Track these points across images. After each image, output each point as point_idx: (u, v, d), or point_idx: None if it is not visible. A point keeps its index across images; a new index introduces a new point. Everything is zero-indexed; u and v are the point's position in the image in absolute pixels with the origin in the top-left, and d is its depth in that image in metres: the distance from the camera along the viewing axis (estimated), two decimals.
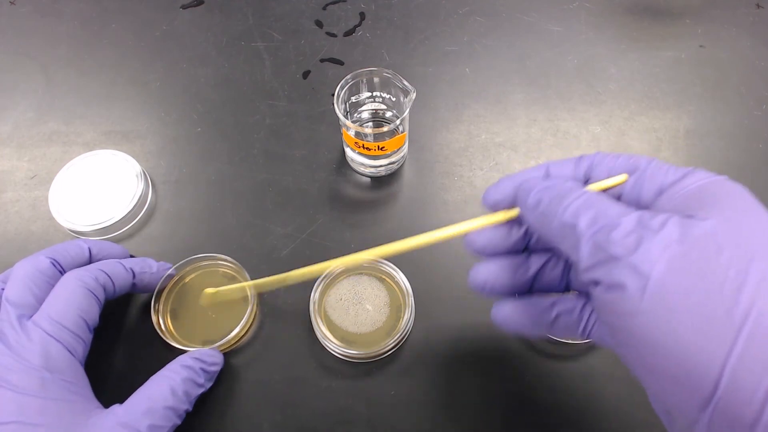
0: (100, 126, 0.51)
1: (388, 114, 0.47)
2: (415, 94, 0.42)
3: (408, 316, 0.40)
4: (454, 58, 0.55)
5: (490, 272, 0.30)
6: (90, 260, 0.38)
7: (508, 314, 0.30)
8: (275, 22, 0.57)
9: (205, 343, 0.39)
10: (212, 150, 0.50)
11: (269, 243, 0.45)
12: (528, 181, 0.29)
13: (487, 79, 0.53)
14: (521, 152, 0.49)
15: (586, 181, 0.29)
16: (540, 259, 0.31)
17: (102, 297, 0.36)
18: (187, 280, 0.42)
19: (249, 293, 0.41)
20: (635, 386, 0.39)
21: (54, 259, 0.36)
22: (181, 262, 0.42)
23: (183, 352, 0.38)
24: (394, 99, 0.46)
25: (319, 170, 0.48)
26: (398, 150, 0.46)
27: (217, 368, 0.37)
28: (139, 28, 0.57)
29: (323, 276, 0.41)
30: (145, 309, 0.41)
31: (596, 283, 0.24)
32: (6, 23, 0.58)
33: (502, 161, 0.49)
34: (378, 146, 0.43)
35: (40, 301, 0.34)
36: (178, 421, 0.34)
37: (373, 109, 0.47)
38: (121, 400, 0.33)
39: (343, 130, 0.44)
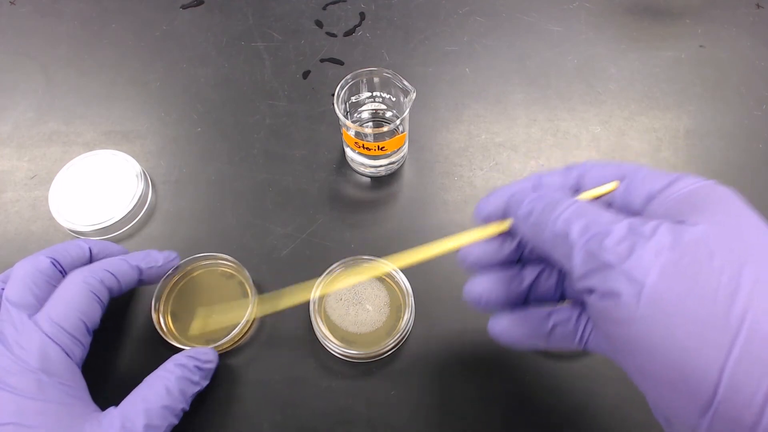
0: (100, 126, 0.51)
1: (388, 114, 0.47)
2: (415, 94, 0.42)
3: (408, 316, 0.40)
4: (454, 58, 0.55)
5: (484, 286, 0.31)
6: (90, 260, 0.38)
7: (505, 327, 0.30)
8: (275, 22, 0.57)
9: (206, 343, 0.39)
10: (212, 150, 0.50)
11: (269, 243, 0.45)
12: (519, 192, 0.29)
13: (487, 79, 0.53)
14: (521, 152, 0.49)
15: (577, 191, 0.29)
16: (534, 270, 0.31)
17: (106, 299, 0.36)
18: (187, 279, 0.42)
19: (249, 293, 0.41)
20: (634, 387, 0.38)
21: (54, 259, 0.36)
22: (181, 262, 0.42)
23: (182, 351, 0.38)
24: (394, 99, 0.46)
25: (319, 170, 0.48)
26: (398, 150, 0.46)
27: (211, 365, 0.37)
28: (139, 28, 0.57)
29: (323, 276, 0.41)
30: (146, 309, 0.41)
31: (591, 291, 0.24)
32: (6, 23, 0.58)
33: (502, 161, 0.49)
34: (378, 146, 0.43)
35: (41, 300, 0.34)
36: (176, 421, 0.34)
37: (373, 109, 0.47)
38: (118, 402, 0.33)
39: (343, 130, 0.44)
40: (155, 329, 0.39)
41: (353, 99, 0.46)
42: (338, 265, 0.42)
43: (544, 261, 0.31)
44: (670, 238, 0.22)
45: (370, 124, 0.48)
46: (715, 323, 0.20)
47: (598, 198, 0.28)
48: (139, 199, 0.46)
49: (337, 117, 0.43)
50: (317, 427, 0.38)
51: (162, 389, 0.34)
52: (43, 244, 0.42)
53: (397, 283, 0.41)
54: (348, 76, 0.44)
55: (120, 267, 0.37)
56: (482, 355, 0.40)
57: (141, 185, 0.46)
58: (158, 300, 0.41)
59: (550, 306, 0.30)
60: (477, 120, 0.51)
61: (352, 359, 0.39)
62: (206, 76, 0.54)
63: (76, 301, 0.34)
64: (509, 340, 0.31)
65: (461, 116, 0.51)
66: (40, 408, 0.31)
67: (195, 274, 0.43)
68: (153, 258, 0.39)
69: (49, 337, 0.32)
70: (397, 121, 0.43)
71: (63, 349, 0.33)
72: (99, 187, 0.46)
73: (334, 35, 0.56)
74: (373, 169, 0.47)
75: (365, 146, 0.44)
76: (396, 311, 0.41)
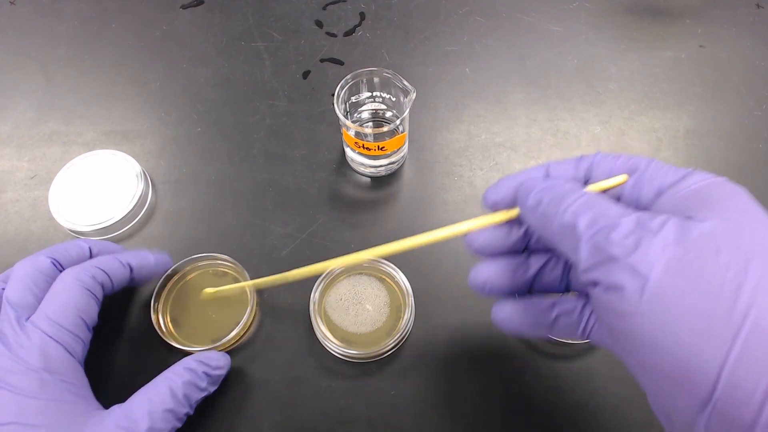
0: (100, 126, 0.51)
1: (388, 114, 0.47)
2: (415, 94, 0.42)
3: (408, 316, 0.40)
4: (454, 58, 0.55)
5: (490, 272, 0.31)
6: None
7: (508, 315, 0.31)
8: (275, 22, 0.57)
9: (204, 343, 0.39)
10: (212, 150, 0.50)
11: (269, 243, 0.45)
12: (528, 181, 0.29)
13: (487, 79, 0.53)
14: (521, 152, 0.49)
15: (586, 182, 0.29)
16: (540, 260, 0.31)
17: (100, 295, 0.36)
18: (187, 279, 0.42)
19: (248, 292, 0.41)
20: (634, 386, 0.38)
21: (54, 259, 0.36)
22: (180, 262, 0.42)
23: (183, 351, 0.38)
24: (394, 99, 0.46)
25: (319, 170, 0.48)
26: (398, 150, 0.46)
27: (221, 372, 0.37)
28: (139, 28, 0.57)
29: (323, 276, 0.41)
30: (145, 308, 0.41)
31: (595, 283, 0.24)
32: (6, 23, 0.58)
33: (502, 161, 0.49)
34: (378, 146, 0.43)
35: (40, 300, 0.34)
36: (179, 424, 0.34)
37: (373, 109, 0.47)
38: (121, 401, 0.33)
39: (343, 130, 0.44)
40: (155, 329, 0.39)
41: (353, 99, 0.46)
42: (338, 265, 0.42)
43: (550, 251, 0.31)
44: (678, 234, 0.22)
45: (370, 124, 0.48)
46: (717, 319, 0.20)
47: (607, 190, 0.28)
48: (139, 199, 0.46)
49: (337, 117, 0.43)
50: (317, 427, 0.38)
51: (167, 392, 0.33)
52: (43, 244, 0.42)
53: (397, 283, 0.41)
54: (348, 76, 0.44)
55: (111, 264, 0.37)
56: (482, 354, 0.40)
57: (141, 185, 0.46)
58: (157, 300, 0.41)
59: (555, 296, 0.30)
60: (477, 120, 0.51)
61: (352, 359, 0.39)
62: (206, 76, 0.54)
63: (71, 299, 0.34)
64: (511, 328, 0.31)
65: (461, 116, 0.51)
66: (42, 407, 0.31)
67: (194, 274, 0.43)
68: (144, 257, 0.39)
69: (49, 336, 0.32)
70: (397, 121, 0.43)
71: (64, 347, 0.33)
72: (99, 187, 0.46)
73: (334, 35, 0.56)
74: (373, 169, 0.47)
75: (365, 146, 0.44)
76: (396, 311, 0.41)
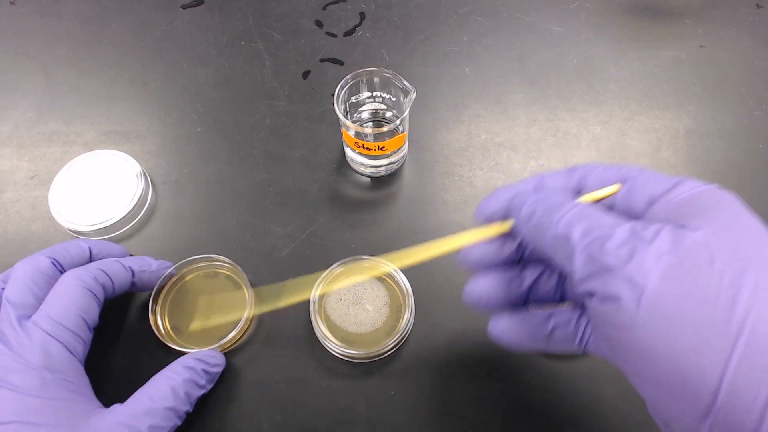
0: (100, 126, 0.51)
1: (388, 114, 0.47)
2: (415, 94, 0.42)
3: (408, 316, 0.40)
4: (454, 58, 0.55)
5: (484, 287, 0.30)
6: (90, 260, 0.38)
7: (505, 329, 0.30)
8: (275, 22, 0.57)
9: (203, 344, 0.39)
10: (212, 150, 0.50)
11: (269, 243, 0.45)
12: (520, 193, 0.29)
13: (487, 79, 0.53)
14: (521, 152, 0.49)
15: (579, 192, 0.29)
16: (534, 272, 0.31)
17: (101, 296, 0.36)
18: (185, 280, 0.42)
19: (246, 294, 0.41)
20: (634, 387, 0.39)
21: (54, 259, 0.36)
22: (178, 264, 0.42)
23: (181, 353, 0.38)
24: (394, 99, 0.46)
25: (319, 170, 0.48)
26: (398, 150, 0.46)
27: (218, 369, 0.37)
28: (139, 28, 0.57)
29: (323, 276, 0.41)
30: (144, 309, 0.41)
31: (591, 294, 0.24)
32: (6, 23, 0.58)
33: (502, 161, 0.49)
34: (378, 146, 0.43)
35: (41, 301, 0.34)
36: (179, 422, 0.34)
37: (373, 109, 0.47)
38: (121, 400, 0.34)
39: (343, 130, 0.44)
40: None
41: (353, 99, 0.46)
42: (338, 265, 0.42)
43: (544, 262, 0.31)
44: (672, 243, 0.22)
45: (370, 124, 0.48)
46: (715, 328, 0.20)
47: (599, 200, 0.28)
48: (139, 199, 0.46)
49: (337, 117, 0.43)
50: (317, 427, 0.38)
51: (168, 390, 0.34)
52: (43, 244, 0.42)
53: (397, 283, 0.41)
54: (348, 76, 0.44)
55: (113, 267, 0.37)
56: (482, 354, 0.40)
57: (141, 185, 0.46)
58: (155, 302, 0.41)
59: (551, 307, 0.30)
60: (477, 120, 0.51)
61: (352, 359, 0.39)
62: (206, 76, 0.54)
63: (72, 299, 0.34)
64: (509, 342, 0.30)
65: (461, 116, 0.51)
66: (43, 405, 0.31)
67: (192, 276, 0.43)
68: (146, 262, 0.40)
69: (50, 335, 0.33)
70: (397, 121, 0.43)
71: (65, 346, 0.33)
72: (99, 187, 0.46)
73: (334, 35, 0.56)
74: (373, 169, 0.47)
75: (365, 146, 0.44)
76: (396, 311, 0.41)
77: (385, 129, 0.42)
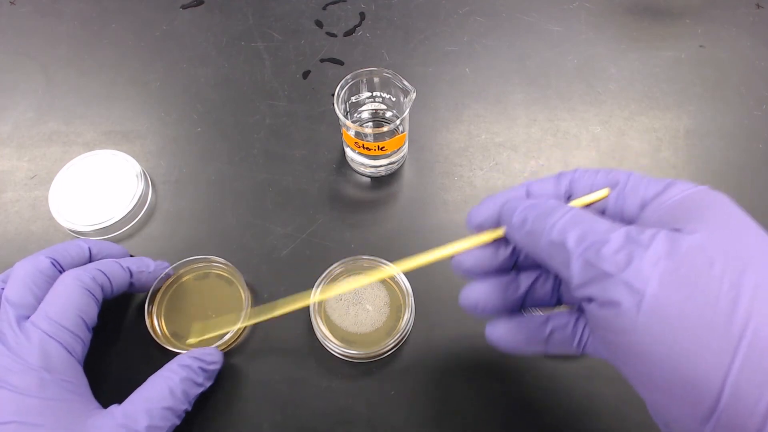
0: (100, 126, 0.51)
1: (388, 114, 0.47)
2: (415, 94, 0.42)
3: (408, 316, 0.40)
4: (454, 58, 0.55)
5: (480, 293, 0.30)
6: (90, 260, 0.38)
7: (503, 334, 0.30)
8: (275, 22, 0.57)
9: (200, 345, 0.39)
10: (212, 150, 0.50)
11: (269, 243, 0.45)
12: (511, 200, 0.29)
13: (487, 79, 0.53)
14: (521, 152, 0.49)
15: (568, 198, 0.29)
16: (530, 276, 0.30)
17: (100, 296, 0.36)
18: (181, 281, 0.42)
19: (243, 295, 0.41)
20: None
21: (54, 259, 0.36)
22: (174, 264, 0.41)
23: (177, 354, 0.38)
24: (394, 99, 0.46)
25: (319, 170, 0.48)
26: (398, 150, 0.46)
27: (216, 367, 0.37)
28: (139, 28, 0.57)
29: (323, 276, 0.41)
30: (142, 310, 0.41)
31: (590, 300, 0.24)
32: (6, 23, 0.58)
33: (502, 161, 0.49)
34: (378, 146, 0.43)
35: (40, 301, 0.34)
36: (177, 422, 0.34)
37: (373, 109, 0.47)
38: (119, 401, 0.34)
39: (343, 130, 0.44)
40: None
41: (353, 99, 0.46)
42: (338, 265, 0.42)
43: (539, 267, 0.31)
44: (668, 247, 0.22)
45: (370, 124, 0.48)
46: (717, 331, 0.20)
47: (590, 205, 0.28)
48: (139, 199, 0.46)
49: (337, 117, 0.43)
50: (317, 427, 0.38)
51: (165, 390, 0.34)
52: (43, 244, 0.42)
53: (397, 283, 0.41)
54: (348, 76, 0.44)
55: (111, 267, 0.37)
56: (482, 355, 0.40)
57: (141, 185, 0.46)
58: (151, 303, 0.40)
59: (548, 311, 0.30)
60: (477, 120, 0.51)
61: (352, 359, 0.39)
62: (206, 76, 0.54)
63: (71, 299, 0.34)
64: (507, 346, 0.30)
65: (461, 116, 0.51)
66: (42, 406, 0.31)
67: (188, 277, 0.42)
68: (144, 263, 0.40)
69: (49, 335, 0.32)
70: (397, 121, 0.43)
71: (63, 346, 0.33)
72: (99, 187, 0.46)
73: (334, 35, 0.56)
74: (373, 169, 0.47)
75: (365, 146, 0.44)
76: (396, 311, 0.41)
77: (385, 129, 0.42)
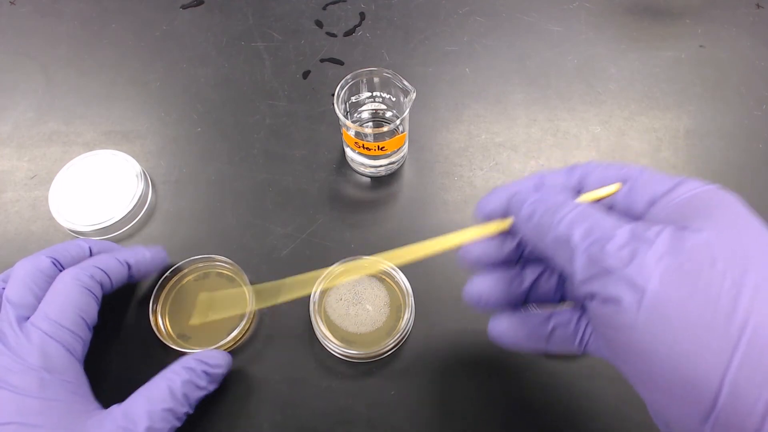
0: (100, 126, 0.51)
1: (388, 114, 0.47)
2: (415, 94, 0.42)
3: (408, 316, 0.40)
4: (454, 58, 0.55)
5: (484, 286, 0.30)
6: None
7: (505, 329, 0.30)
8: (275, 22, 0.57)
9: (204, 344, 0.39)
10: (212, 150, 0.50)
11: (269, 243, 0.45)
12: (520, 192, 0.29)
13: (487, 79, 0.53)
14: (521, 152, 0.49)
15: (579, 191, 0.29)
16: (534, 271, 0.30)
17: (99, 294, 0.36)
18: (184, 281, 0.42)
19: (247, 294, 0.41)
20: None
21: (54, 259, 0.36)
22: (178, 264, 0.41)
23: (181, 353, 0.38)
24: (394, 99, 0.46)
25: (319, 170, 0.48)
26: (398, 150, 0.46)
27: (221, 371, 0.37)
28: (139, 28, 0.57)
29: (323, 276, 0.41)
30: (143, 309, 0.41)
31: (592, 296, 0.24)
32: (6, 23, 0.58)
33: (502, 161, 0.49)
34: (378, 146, 0.43)
35: (41, 300, 0.34)
36: (178, 424, 0.34)
37: (373, 109, 0.47)
38: (120, 400, 0.33)
39: (343, 130, 0.44)
40: (153, 330, 0.39)
41: (353, 99, 0.46)
42: (338, 265, 0.42)
43: (544, 262, 0.31)
44: (672, 244, 0.22)
45: (370, 124, 0.48)
46: (716, 330, 0.20)
47: (599, 200, 0.28)
48: (139, 199, 0.46)
49: (337, 117, 0.43)
50: (317, 427, 0.38)
51: (166, 391, 0.33)
52: (43, 244, 0.42)
53: (397, 283, 0.41)
54: (348, 76, 0.44)
55: (109, 263, 0.37)
56: (482, 354, 0.40)
57: (141, 185, 0.46)
58: (156, 302, 0.41)
59: (551, 308, 0.30)
60: (477, 120, 0.51)
61: (352, 359, 0.39)
62: (206, 76, 0.54)
63: (70, 298, 0.34)
64: (509, 342, 0.30)
65: (461, 116, 0.51)
66: (42, 406, 0.31)
67: (192, 275, 0.43)
68: (140, 253, 0.39)
69: (49, 335, 0.32)
70: (397, 121, 0.43)
71: (63, 346, 0.33)
72: (99, 187, 0.46)
73: (334, 35, 0.56)
74: (373, 169, 0.47)
75: (365, 146, 0.44)
76: (396, 311, 0.41)
77: (385, 129, 0.42)
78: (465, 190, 0.47)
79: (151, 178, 0.48)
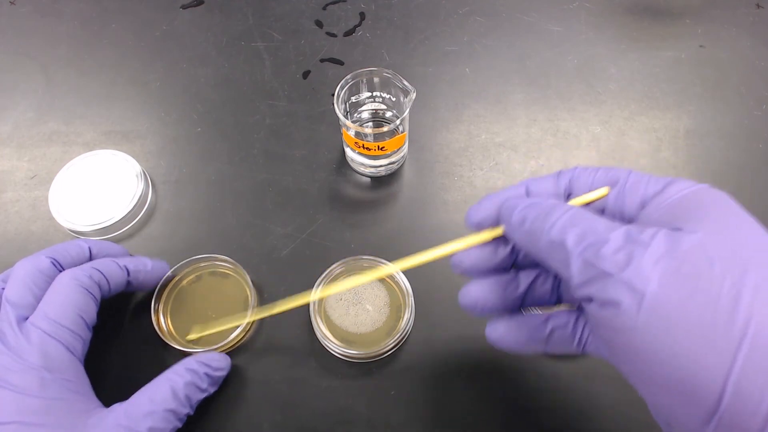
0: (100, 126, 0.51)
1: (388, 114, 0.47)
2: (415, 94, 0.42)
3: (408, 316, 0.40)
4: (454, 58, 0.55)
5: (480, 292, 0.30)
6: (90, 260, 0.38)
7: (503, 333, 0.30)
8: (275, 22, 0.57)
9: (205, 344, 0.39)
10: (212, 150, 0.50)
11: (269, 243, 0.45)
12: (510, 199, 0.29)
13: (487, 79, 0.53)
14: (521, 152, 0.49)
15: (568, 196, 0.29)
16: (529, 276, 0.30)
17: (98, 295, 0.36)
18: (186, 281, 0.42)
19: (249, 294, 0.41)
20: (634, 388, 0.39)
21: (54, 259, 0.36)
22: (180, 263, 0.42)
23: (182, 352, 0.38)
24: (394, 99, 0.46)
25: (319, 170, 0.48)
26: (398, 150, 0.46)
27: (222, 373, 0.37)
28: (139, 28, 0.57)
29: (323, 276, 0.41)
30: (144, 309, 0.41)
31: (590, 299, 0.24)
32: (6, 23, 0.58)
33: (502, 161, 0.49)
34: (378, 146, 0.43)
35: (40, 300, 0.34)
36: (179, 424, 0.34)
37: (373, 109, 0.47)
38: (120, 399, 0.34)
39: (343, 130, 0.44)
40: (153, 329, 0.39)
41: (353, 99, 0.46)
42: (338, 265, 0.42)
43: (539, 266, 0.31)
44: (668, 246, 0.22)
45: (370, 124, 0.48)
46: (718, 331, 0.20)
47: (589, 204, 0.28)
48: (139, 199, 0.46)
49: (337, 117, 0.43)
50: (317, 427, 0.38)
51: (168, 393, 0.34)
52: (43, 244, 0.42)
53: (397, 283, 0.41)
54: (348, 76, 0.44)
55: (108, 266, 0.37)
56: (482, 354, 0.40)
57: (141, 185, 0.46)
58: (158, 301, 0.41)
59: (547, 310, 0.30)
60: (477, 120, 0.51)
61: (352, 359, 0.39)
62: (206, 76, 0.54)
63: (69, 298, 0.34)
64: (507, 346, 0.30)
65: (461, 116, 0.51)
66: (43, 406, 0.31)
67: (194, 275, 0.43)
68: (142, 262, 0.39)
69: (49, 335, 0.33)
70: (397, 121, 0.43)
71: (63, 345, 0.33)
72: (99, 187, 0.46)
73: (334, 35, 0.56)
74: (373, 169, 0.47)
75: (365, 146, 0.44)
76: (396, 311, 0.41)
77: (385, 129, 0.42)
78: (465, 190, 0.47)
79: (151, 178, 0.48)
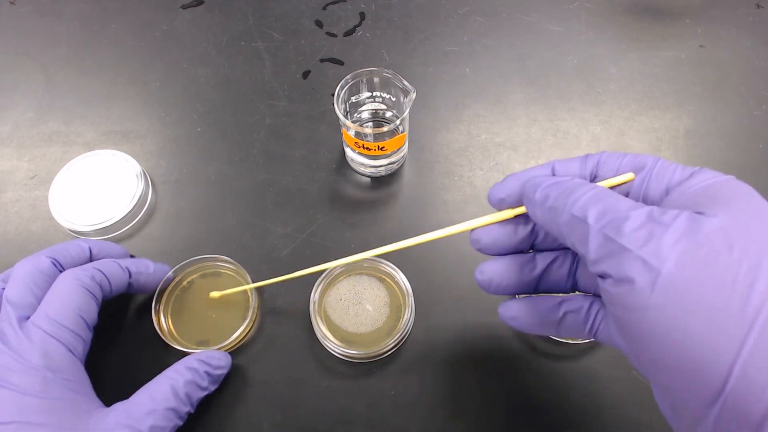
0: (100, 126, 0.51)
1: (388, 114, 0.47)
2: (415, 94, 0.42)
3: (408, 316, 0.40)
4: (454, 58, 0.55)
5: (496, 270, 0.31)
6: (90, 260, 0.38)
7: (516, 312, 0.31)
8: (275, 22, 0.57)
9: (205, 345, 0.39)
10: (212, 150, 0.50)
11: (269, 243, 0.45)
12: (535, 178, 0.29)
13: (487, 79, 0.53)
14: (521, 152, 0.49)
15: (593, 179, 0.29)
16: (546, 258, 0.31)
17: (99, 295, 0.36)
18: (187, 281, 0.42)
19: (250, 295, 0.41)
20: (635, 386, 0.39)
21: (54, 259, 0.36)
22: (181, 264, 0.42)
23: (182, 353, 0.38)
24: (394, 99, 0.46)
25: (319, 170, 0.48)
26: (398, 150, 0.46)
27: (222, 371, 0.37)
28: (139, 28, 0.57)
29: (323, 276, 0.41)
30: (145, 309, 0.41)
31: (605, 276, 0.24)
32: (6, 23, 0.58)
33: (502, 161, 0.49)
34: (378, 146, 0.43)
35: (41, 300, 0.34)
36: (180, 423, 0.34)
37: (373, 109, 0.47)
38: (121, 399, 0.34)
39: (343, 130, 0.44)
40: (154, 329, 0.39)
41: (353, 99, 0.46)
42: (338, 265, 0.42)
43: (557, 249, 0.31)
44: (690, 228, 0.22)
45: (370, 124, 0.48)
46: (730, 314, 0.20)
47: (614, 187, 0.28)
48: (139, 199, 0.46)
49: (337, 117, 0.43)
50: (317, 427, 0.38)
51: (169, 391, 0.34)
52: (43, 244, 0.42)
53: (397, 283, 0.41)
54: (348, 76, 0.44)
55: (110, 267, 0.37)
56: (483, 354, 0.40)
57: (141, 185, 0.46)
58: (158, 301, 0.41)
59: (562, 295, 0.30)
60: (477, 120, 0.51)
61: (352, 359, 0.39)
62: (206, 76, 0.54)
63: (70, 298, 0.34)
64: (519, 325, 0.31)
65: (461, 116, 0.51)
66: (44, 405, 0.31)
67: (195, 275, 0.43)
68: (144, 264, 0.40)
69: (49, 334, 0.33)
70: (397, 121, 0.43)
71: (64, 345, 0.33)
72: (99, 187, 0.46)
73: (334, 35, 0.56)
74: (373, 169, 0.47)
75: (365, 146, 0.44)
76: (396, 311, 0.41)
77: (385, 129, 0.42)
78: (465, 190, 0.47)
79: (151, 178, 0.48)
